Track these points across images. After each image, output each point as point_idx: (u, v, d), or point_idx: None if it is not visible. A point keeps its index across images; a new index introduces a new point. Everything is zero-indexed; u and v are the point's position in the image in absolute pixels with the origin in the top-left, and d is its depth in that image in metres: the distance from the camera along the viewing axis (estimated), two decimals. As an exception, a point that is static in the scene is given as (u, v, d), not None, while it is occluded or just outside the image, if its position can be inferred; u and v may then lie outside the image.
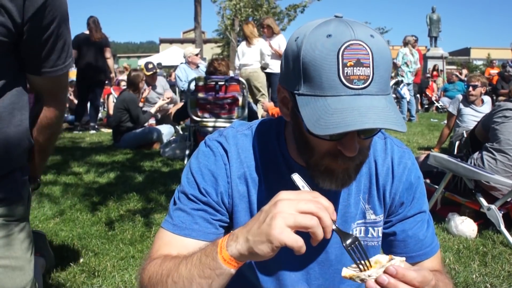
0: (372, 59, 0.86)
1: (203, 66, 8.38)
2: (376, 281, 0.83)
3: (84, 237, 3.11)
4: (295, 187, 0.98)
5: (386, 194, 1.15)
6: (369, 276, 0.85)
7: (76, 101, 9.33)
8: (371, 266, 0.89)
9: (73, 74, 9.22)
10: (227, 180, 1.10)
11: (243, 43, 7.62)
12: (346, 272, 0.90)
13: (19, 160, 1.37)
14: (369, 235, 1.16)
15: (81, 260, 2.75)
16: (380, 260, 0.90)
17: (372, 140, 1.13)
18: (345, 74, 0.85)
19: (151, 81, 7.51)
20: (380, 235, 1.17)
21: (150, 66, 7.55)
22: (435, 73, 16.25)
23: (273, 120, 1.18)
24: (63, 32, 1.34)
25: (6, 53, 1.25)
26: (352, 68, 0.85)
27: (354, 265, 0.90)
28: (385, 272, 0.84)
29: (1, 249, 1.28)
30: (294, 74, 0.92)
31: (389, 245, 1.20)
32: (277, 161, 1.12)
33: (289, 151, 1.12)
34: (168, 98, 7.49)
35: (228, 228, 1.14)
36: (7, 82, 1.27)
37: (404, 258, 0.89)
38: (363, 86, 0.86)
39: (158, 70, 8.10)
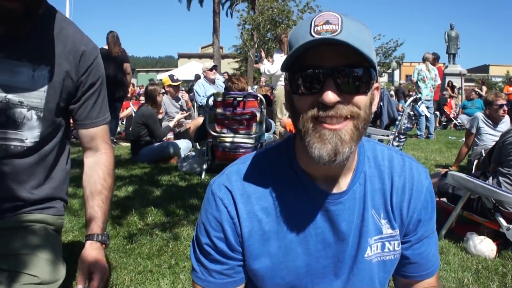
0: (341, 21, 0.94)
1: (220, 81, 8.46)
2: None
3: (103, 250, 3.14)
4: (308, 198, 1.07)
5: (404, 210, 1.15)
6: None
7: None
8: None
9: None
10: (232, 222, 1.11)
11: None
12: None
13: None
14: (386, 250, 1.16)
15: (100, 273, 2.77)
16: None
17: (390, 155, 1.19)
18: (315, 31, 0.94)
19: (175, 92, 7.80)
20: (397, 248, 1.17)
21: (175, 77, 7.78)
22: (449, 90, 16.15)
23: (282, 141, 1.21)
24: (104, 90, 1.82)
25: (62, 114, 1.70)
26: (321, 26, 0.94)
27: None
28: None
29: (47, 248, 1.61)
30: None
31: (401, 266, 1.22)
32: (288, 175, 1.12)
33: (298, 161, 1.12)
34: (185, 101, 7.63)
35: (244, 265, 1.16)
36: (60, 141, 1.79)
37: None
38: (330, 35, 0.92)
39: (181, 82, 8.25)
